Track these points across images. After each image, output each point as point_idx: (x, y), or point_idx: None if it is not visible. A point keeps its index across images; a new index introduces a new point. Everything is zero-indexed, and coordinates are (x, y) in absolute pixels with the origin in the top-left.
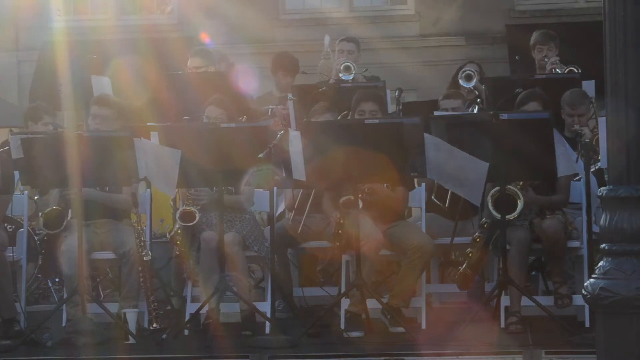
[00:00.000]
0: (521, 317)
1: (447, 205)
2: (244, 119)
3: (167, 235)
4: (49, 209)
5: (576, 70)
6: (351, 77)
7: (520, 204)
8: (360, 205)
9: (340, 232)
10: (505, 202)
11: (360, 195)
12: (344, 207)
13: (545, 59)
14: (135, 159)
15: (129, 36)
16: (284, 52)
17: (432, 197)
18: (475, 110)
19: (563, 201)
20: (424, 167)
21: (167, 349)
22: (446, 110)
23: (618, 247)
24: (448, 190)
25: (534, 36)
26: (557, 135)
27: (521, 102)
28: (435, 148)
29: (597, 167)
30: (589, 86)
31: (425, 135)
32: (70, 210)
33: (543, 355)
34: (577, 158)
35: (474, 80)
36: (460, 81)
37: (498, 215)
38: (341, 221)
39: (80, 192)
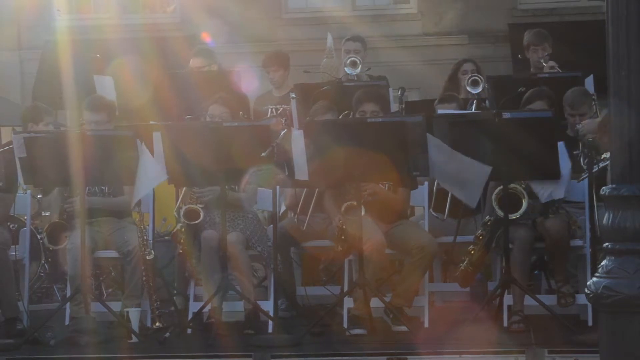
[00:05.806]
0: (524, 316)
1: (445, 215)
2: (241, 115)
3: (168, 234)
4: (51, 222)
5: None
6: (357, 71)
7: (524, 204)
8: (363, 212)
9: (343, 237)
10: (509, 201)
11: (361, 199)
12: (346, 214)
13: (541, 60)
14: (138, 158)
15: (131, 35)
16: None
17: (430, 209)
18: (474, 108)
19: None
20: (427, 165)
21: (169, 348)
22: None
23: (621, 246)
24: (447, 200)
25: (527, 36)
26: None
27: (527, 100)
28: (437, 149)
29: (599, 166)
30: (588, 82)
31: (428, 135)
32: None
33: (546, 354)
34: (579, 155)
35: (481, 86)
36: (468, 87)
37: (502, 213)
38: (343, 226)
39: (83, 192)
